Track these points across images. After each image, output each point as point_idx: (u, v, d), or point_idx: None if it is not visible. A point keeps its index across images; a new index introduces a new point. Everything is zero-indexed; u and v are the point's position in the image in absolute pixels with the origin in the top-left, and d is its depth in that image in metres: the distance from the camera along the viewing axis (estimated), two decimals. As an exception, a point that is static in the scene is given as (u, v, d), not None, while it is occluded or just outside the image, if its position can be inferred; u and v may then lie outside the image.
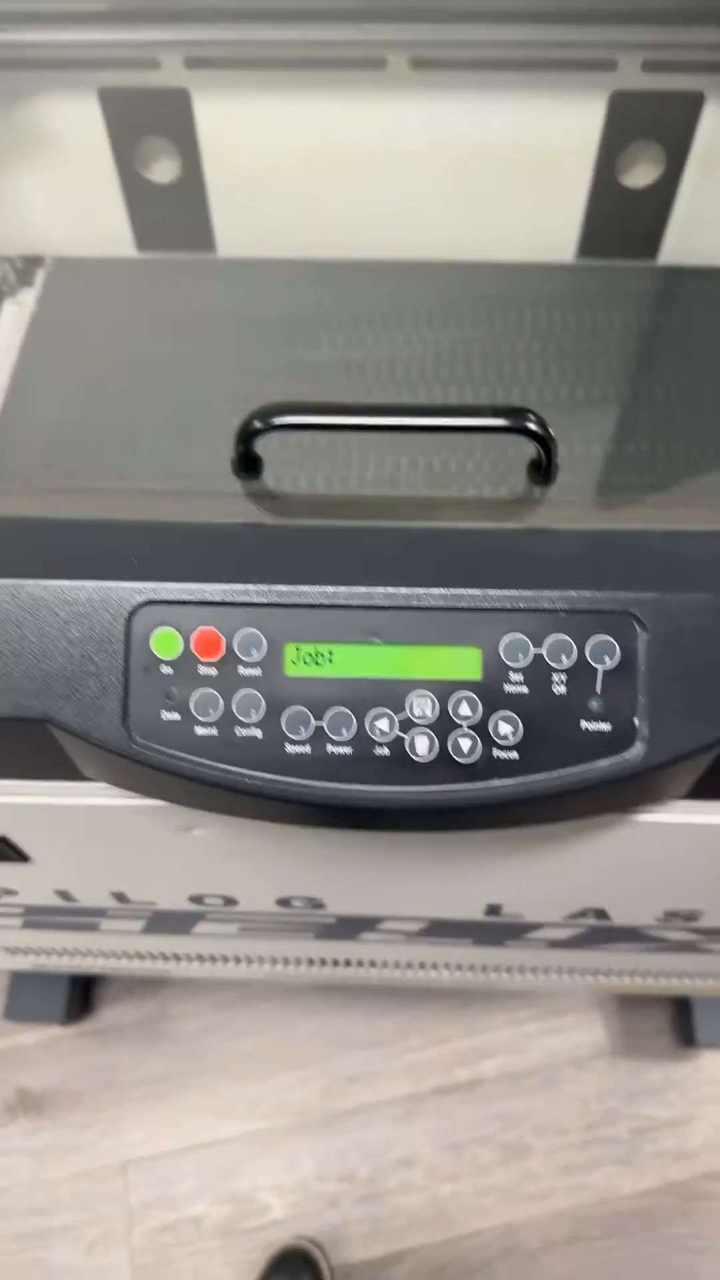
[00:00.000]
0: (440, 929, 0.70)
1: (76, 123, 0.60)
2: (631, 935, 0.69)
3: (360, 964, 0.81)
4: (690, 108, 0.59)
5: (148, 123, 0.60)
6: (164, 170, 0.63)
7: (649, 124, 0.60)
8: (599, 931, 0.68)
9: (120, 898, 0.66)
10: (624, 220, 0.64)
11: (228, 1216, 1.04)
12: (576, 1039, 1.14)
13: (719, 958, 0.74)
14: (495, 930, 0.69)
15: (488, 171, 0.62)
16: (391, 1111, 1.10)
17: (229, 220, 0.65)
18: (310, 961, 0.82)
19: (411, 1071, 1.12)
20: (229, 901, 0.66)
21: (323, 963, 0.82)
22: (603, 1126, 1.10)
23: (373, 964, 0.81)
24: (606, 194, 0.63)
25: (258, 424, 0.44)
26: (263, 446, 0.47)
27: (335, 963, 0.81)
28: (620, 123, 0.59)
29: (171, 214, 0.65)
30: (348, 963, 0.81)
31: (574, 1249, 1.04)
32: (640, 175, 0.62)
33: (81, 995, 1.14)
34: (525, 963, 0.80)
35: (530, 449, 0.47)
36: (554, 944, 0.72)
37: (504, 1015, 1.15)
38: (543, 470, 0.47)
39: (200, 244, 0.66)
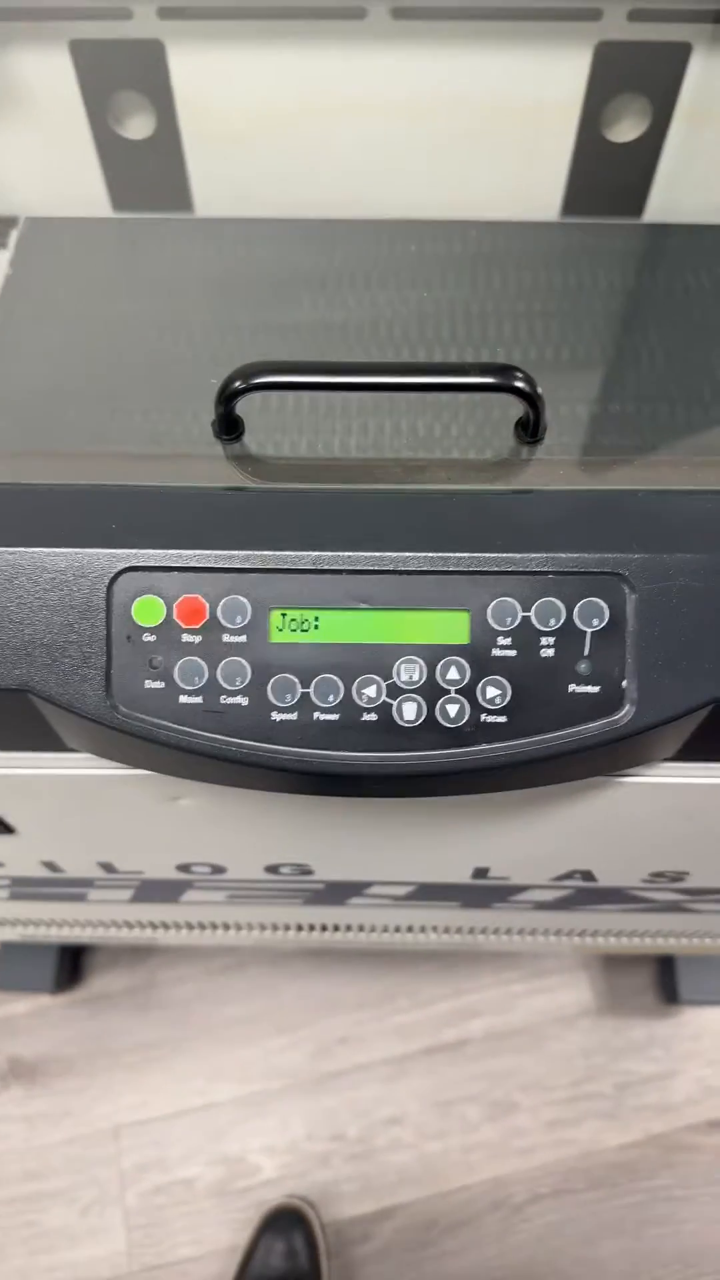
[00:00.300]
0: (428, 892, 0.70)
1: (47, 77, 0.58)
2: (618, 896, 0.70)
3: (349, 928, 0.82)
4: (677, 59, 0.57)
5: (121, 76, 0.58)
6: (139, 126, 0.61)
7: (634, 76, 0.58)
8: (585, 893, 0.69)
9: (108, 868, 0.65)
10: (609, 176, 0.63)
11: (220, 1177, 1.06)
12: (562, 998, 1.16)
13: (704, 917, 0.75)
14: (483, 893, 0.70)
15: (471, 126, 0.61)
16: (380, 1072, 1.11)
17: (206, 177, 0.64)
18: (299, 927, 0.82)
19: (400, 1032, 1.13)
20: (217, 869, 0.66)
21: (311, 928, 0.82)
22: (588, 1082, 1.12)
23: (361, 928, 0.82)
24: (591, 149, 0.62)
25: (239, 383, 0.43)
26: (244, 409, 0.46)
27: (324, 928, 0.82)
28: (605, 75, 0.58)
29: (147, 171, 0.63)
30: (336, 927, 0.82)
31: (560, 1201, 1.06)
32: (626, 130, 0.61)
33: (71, 964, 1.14)
34: (512, 924, 0.80)
35: (516, 410, 0.47)
36: (541, 905, 0.73)
37: (490, 976, 1.17)
38: (530, 429, 0.47)
39: (177, 202, 0.65)
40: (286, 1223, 1.01)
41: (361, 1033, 1.13)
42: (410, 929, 0.82)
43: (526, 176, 0.64)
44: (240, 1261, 1.00)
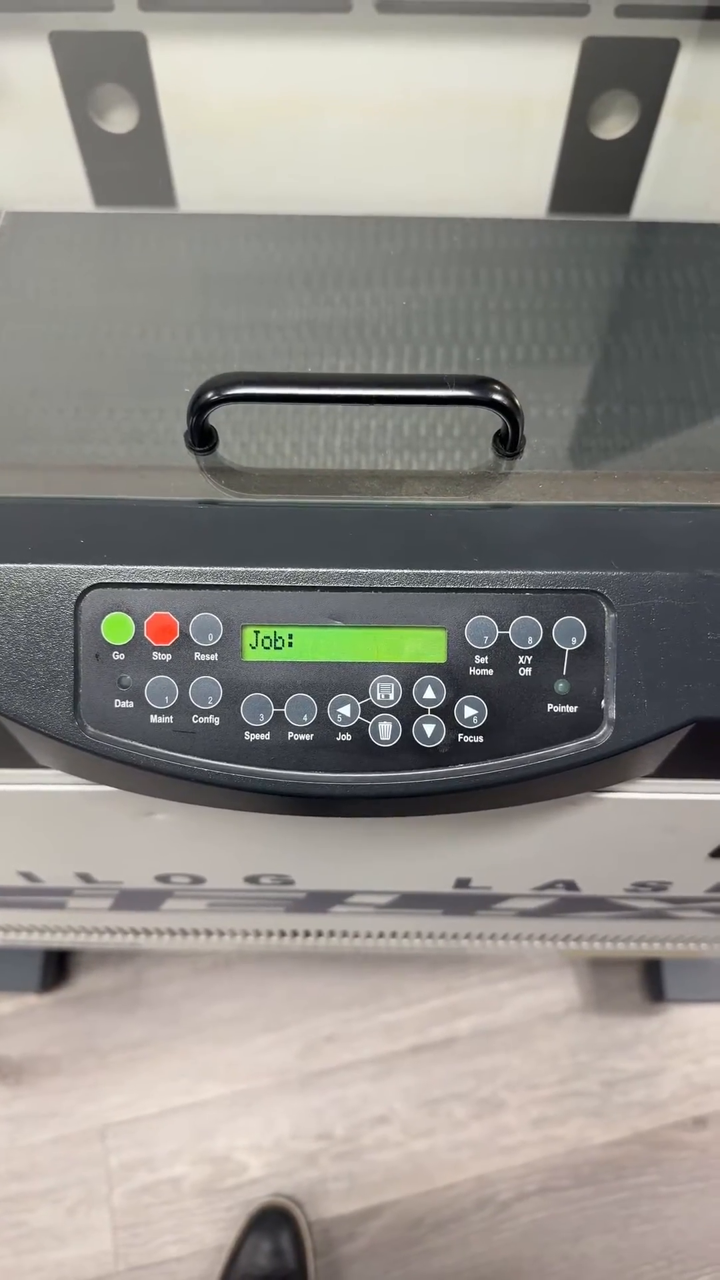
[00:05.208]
0: (410, 901, 0.70)
1: (27, 69, 0.57)
2: (601, 905, 0.69)
3: (332, 934, 0.81)
4: (665, 55, 0.56)
5: (103, 69, 0.57)
6: (121, 120, 0.60)
7: (622, 72, 0.57)
8: (568, 901, 0.69)
9: (85, 878, 0.65)
10: (597, 173, 0.62)
11: (207, 1176, 1.06)
12: (549, 996, 1.16)
13: (687, 924, 0.75)
14: (465, 901, 0.69)
15: (457, 122, 0.60)
16: (368, 1070, 1.11)
17: (189, 172, 0.63)
18: (282, 933, 0.82)
19: (387, 1031, 1.13)
20: (196, 880, 0.65)
21: (294, 934, 0.82)
22: (574, 1080, 1.12)
23: (344, 934, 0.81)
24: (579, 146, 0.61)
25: (211, 395, 0.42)
26: (219, 411, 0.45)
27: (307, 934, 0.82)
28: (593, 71, 0.57)
29: (130, 166, 0.62)
30: (319, 934, 0.81)
31: (545, 1199, 1.06)
32: (613, 126, 0.60)
33: (57, 964, 1.14)
34: (496, 930, 0.80)
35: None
36: (524, 913, 0.73)
37: (478, 974, 1.16)
38: (509, 443, 0.46)
39: (160, 197, 0.64)
40: (273, 1222, 1.01)
41: (349, 1031, 1.13)
42: (394, 935, 0.82)
43: (513, 173, 0.63)
44: (226, 1261, 1.00)
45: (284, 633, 0.40)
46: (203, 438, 0.46)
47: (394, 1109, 1.10)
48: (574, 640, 0.40)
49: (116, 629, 0.40)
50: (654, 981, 1.13)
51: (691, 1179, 1.08)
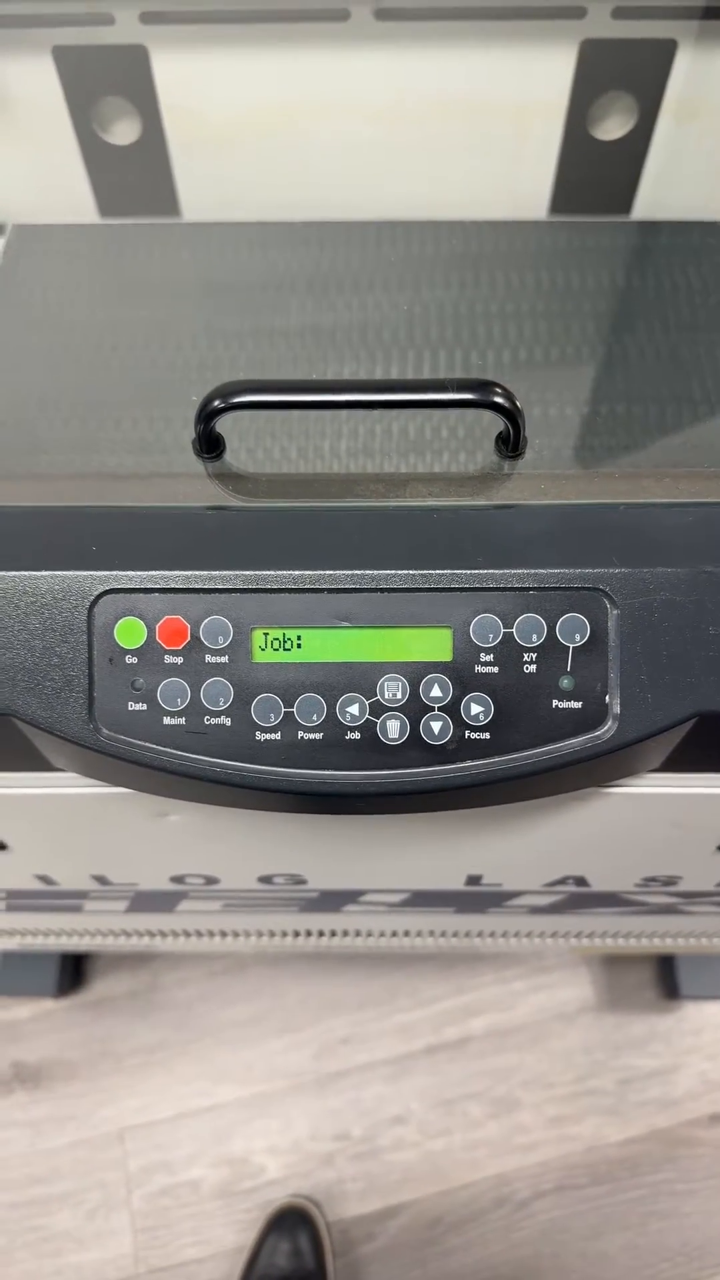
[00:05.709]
0: (422, 899, 0.70)
1: (31, 83, 0.58)
2: (612, 900, 0.70)
3: (346, 934, 0.82)
4: (662, 56, 0.57)
5: (105, 82, 0.58)
6: (124, 132, 0.61)
7: (620, 73, 0.58)
8: (579, 897, 0.69)
9: (101, 880, 0.65)
10: (597, 174, 0.63)
11: (225, 1178, 1.06)
12: (563, 995, 1.16)
13: (699, 918, 0.75)
14: (477, 899, 0.70)
15: (457, 126, 0.60)
16: (383, 1071, 1.12)
17: (193, 182, 0.63)
18: (296, 933, 0.82)
19: (402, 1031, 1.14)
20: (210, 880, 0.66)
21: (308, 934, 0.82)
22: (590, 1078, 1.12)
23: (358, 933, 0.82)
24: (578, 147, 0.61)
25: (218, 403, 0.43)
26: (228, 417, 0.46)
27: (321, 933, 0.82)
28: (591, 73, 0.57)
29: (133, 177, 0.63)
30: (333, 933, 0.82)
31: (563, 1197, 1.06)
32: (612, 127, 0.61)
33: (73, 968, 1.14)
34: (508, 928, 0.80)
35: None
36: (536, 910, 0.73)
37: (491, 974, 1.17)
38: (511, 444, 0.46)
39: (164, 208, 0.64)
40: (291, 1222, 1.01)
41: (364, 1032, 1.13)
42: (407, 933, 0.82)
43: (514, 176, 0.63)
44: (245, 1262, 1.00)
45: (293, 634, 0.41)
46: (210, 445, 0.47)
47: (410, 1109, 1.10)
48: (578, 637, 0.41)
49: (129, 633, 0.41)
50: (668, 978, 1.13)
51: (708, 1175, 1.08)
